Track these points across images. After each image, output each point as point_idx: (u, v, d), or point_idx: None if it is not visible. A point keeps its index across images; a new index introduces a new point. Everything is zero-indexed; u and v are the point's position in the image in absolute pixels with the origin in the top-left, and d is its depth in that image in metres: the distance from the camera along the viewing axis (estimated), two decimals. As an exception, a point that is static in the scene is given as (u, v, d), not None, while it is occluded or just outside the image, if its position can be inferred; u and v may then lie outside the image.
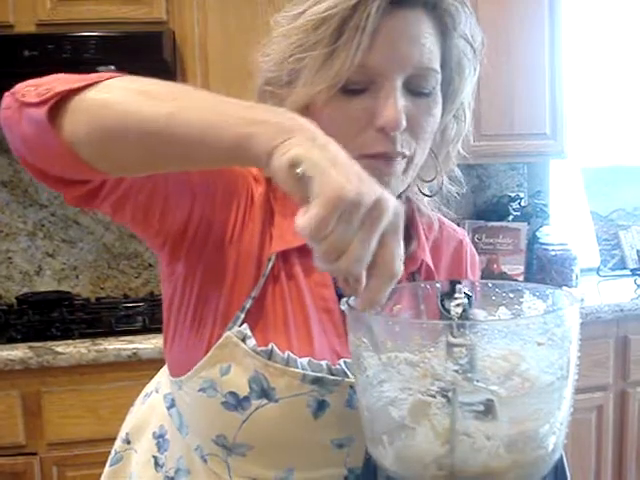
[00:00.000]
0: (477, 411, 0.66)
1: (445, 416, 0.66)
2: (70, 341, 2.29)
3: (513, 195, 3.22)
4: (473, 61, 0.97)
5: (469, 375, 0.65)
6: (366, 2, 0.86)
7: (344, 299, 0.73)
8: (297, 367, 0.93)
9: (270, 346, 0.93)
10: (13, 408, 2.22)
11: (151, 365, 2.06)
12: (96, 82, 0.76)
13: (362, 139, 0.89)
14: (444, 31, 0.92)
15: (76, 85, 0.76)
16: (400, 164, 0.92)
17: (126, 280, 2.95)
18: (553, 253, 2.97)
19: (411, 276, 1.06)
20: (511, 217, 3.13)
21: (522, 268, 3.05)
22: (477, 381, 0.65)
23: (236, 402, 0.93)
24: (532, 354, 0.67)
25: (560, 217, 3.27)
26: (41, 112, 0.75)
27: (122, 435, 1.21)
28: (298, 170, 0.63)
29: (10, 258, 2.87)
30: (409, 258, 1.04)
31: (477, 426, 0.66)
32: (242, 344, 0.93)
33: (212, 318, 0.97)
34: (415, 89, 0.90)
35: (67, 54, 2.38)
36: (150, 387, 1.21)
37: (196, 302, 0.98)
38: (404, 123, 0.88)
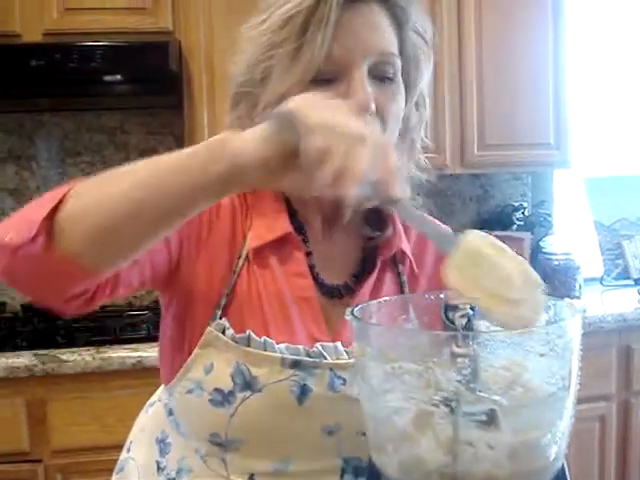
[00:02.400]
0: (480, 421, 0.66)
1: (448, 425, 0.67)
2: (75, 349, 2.30)
3: (517, 205, 3.22)
4: (427, 52, 1.04)
5: (472, 385, 0.66)
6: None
7: (348, 309, 0.75)
8: (275, 351, 0.97)
9: (247, 332, 0.98)
10: (18, 415, 2.23)
11: (155, 373, 2.06)
12: (64, 196, 0.81)
13: None
14: (398, 24, 1.00)
15: (51, 206, 0.80)
16: None
17: (131, 288, 2.96)
18: (557, 263, 2.97)
19: (390, 264, 1.10)
20: (515, 227, 3.14)
21: (525, 278, 3.05)
22: (480, 391, 0.66)
23: (222, 398, 0.97)
24: (534, 364, 0.68)
25: (564, 227, 3.27)
26: (37, 246, 0.79)
27: (127, 444, 1.23)
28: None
29: (15, 266, 2.88)
30: (384, 244, 1.09)
31: (480, 435, 0.67)
32: (222, 336, 0.98)
33: (192, 321, 1.02)
34: (380, 74, 0.97)
35: (74, 64, 2.39)
36: (154, 397, 1.24)
37: (177, 310, 1.04)
38: (373, 105, 0.94)
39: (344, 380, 0.98)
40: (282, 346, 0.98)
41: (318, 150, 0.72)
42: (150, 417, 1.20)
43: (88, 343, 2.34)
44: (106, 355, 2.25)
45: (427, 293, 0.93)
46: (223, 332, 0.98)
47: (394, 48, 0.98)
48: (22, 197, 2.87)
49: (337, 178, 0.71)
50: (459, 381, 0.66)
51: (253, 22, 1.01)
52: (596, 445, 2.74)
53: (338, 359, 0.99)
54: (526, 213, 3.21)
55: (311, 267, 1.05)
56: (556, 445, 0.71)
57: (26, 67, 2.39)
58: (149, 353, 2.25)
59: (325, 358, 0.98)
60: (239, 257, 1.02)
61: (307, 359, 0.98)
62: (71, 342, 2.35)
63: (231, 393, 0.97)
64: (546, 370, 0.68)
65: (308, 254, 1.06)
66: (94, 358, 2.24)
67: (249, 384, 0.96)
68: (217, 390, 0.97)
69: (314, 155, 0.72)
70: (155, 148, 2.89)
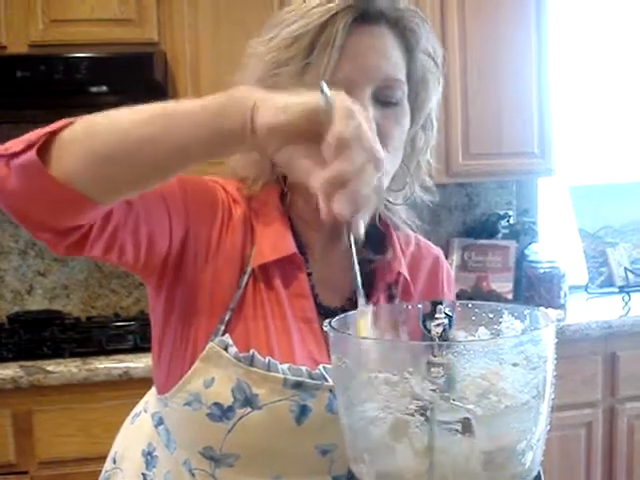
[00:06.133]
0: (455, 429, 0.67)
1: (424, 434, 0.68)
2: (61, 360, 2.30)
3: (502, 213, 3.24)
4: (436, 74, 1.04)
5: (446, 394, 0.67)
6: (334, 20, 0.94)
7: (326, 320, 0.76)
8: (278, 372, 0.96)
9: (251, 352, 0.97)
10: (4, 427, 2.22)
11: (142, 384, 2.06)
12: (70, 123, 0.81)
13: None
14: (407, 46, 1.00)
15: (55, 127, 0.80)
16: None
17: (117, 299, 2.96)
18: (542, 271, 2.99)
19: (388, 287, 1.10)
20: (500, 235, 3.16)
21: (511, 286, 3.07)
22: (454, 400, 0.67)
23: (221, 413, 0.96)
24: (509, 373, 0.69)
25: (548, 235, 3.29)
26: (31, 154, 0.79)
27: (112, 454, 1.22)
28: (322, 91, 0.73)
29: (1, 277, 2.88)
30: (385, 269, 1.09)
31: (455, 444, 0.68)
32: (224, 352, 0.97)
33: (194, 333, 1.01)
34: (384, 99, 0.97)
35: (59, 75, 2.40)
36: (139, 408, 1.23)
37: (177, 320, 1.03)
38: (374, 128, 0.92)
39: None
40: (285, 367, 0.97)
41: (343, 137, 0.72)
42: (136, 428, 1.19)
43: (74, 354, 2.34)
44: (92, 366, 2.25)
45: (405, 303, 0.94)
46: (226, 349, 0.97)
47: (401, 73, 0.98)
48: (8, 208, 2.87)
49: (339, 187, 0.71)
50: (434, 390, 0.67)
51: (262, 38, 1.01)
52: (582, 452, 2.75)
53: None
54: (511, 221, 3.22)
55: (311, 287, 1.06)
56: (532, 452, 0.72)
57: (12, 78, 2.39)
58: (135, 364, 2.25)
59: (327, 380, 0.98)
60: (244, 272, 1.02)
61: (309, 381, 0.97)
62: (57, 353, 2.34)
63: (230, 408, 0.96)
64: (520, 379, 0.69)
65: (308, 274, 1.06)
66: (80, 369, 2.24)
67: (250, 401, 0.96)
68: (216, 404, 0.96)
69: (339, 140, 0.72)
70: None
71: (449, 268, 1.22)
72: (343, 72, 0.94)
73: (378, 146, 0.74)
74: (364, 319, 0.78)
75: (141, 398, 1.25)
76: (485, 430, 0.68)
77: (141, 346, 2.37)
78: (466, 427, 0.67)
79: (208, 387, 0.97)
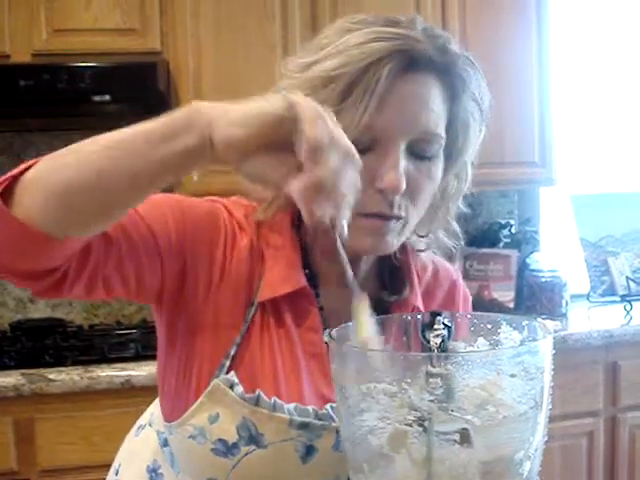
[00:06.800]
0: (453, 440, 0.68)
1: (422, 445, 0.68)
2: (63, 368, 2.30)
3: (504, 222, 3.24)
4: (479, 122, 0.98)
5: (445, 405, 0.67)
6: (378, 65, 0.87)
7: (326, 330, 0.76)
8: (284, 413, 0.94)
9: (257, 393, 0.95)
10: (6, 434, 2.23)
11: (144, 392, 2.08)
12: (35, 162, 0.80)
13: (361, 198, 0.84)
14: (453, 93, 0.94)
15: (16, 171, 0.79)
16: (395, 225, 0.94)
17: (119, 307, 2.96)
18: (543, 280, 2.99)
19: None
20: (502, 244, 3.16)
21: (512, 295, 3.07)
22: (452, 411, 0.67)
23: (225, 449, 0.94)
24: (507, 384, 0.70)
25: (550, 244, 3.30)
26: None
27: (115, 466, 1.22)
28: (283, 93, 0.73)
29: (4, 285, 2.88)
30: (401, 304, 1.05)
31: (453, 454, 0.68)
32: (230, 391, 0.95)
33: (198, 367, 0.98)
34: (419, 153, 0.92)
35: (62, 84, 2.41)
36: (143, 420, 1.22)
37: (180, 350, 1.00)
38: (404, 185, 0.89)
39: None
40: (291, 407, 0.95)
41: (316, 141, 0.69)
42: (140, 442, 1.18)
43: (76, 362, 2.34)
44: (94, 374, 2.26)
45: (405, 314, 0.94)
46: (231, 387, 0.95)
47: (441, 128, 0.92)
48: (11, 216, 2.88)
49: (317, 192, 0.70)
50: (432, 401, 0.67)
51: (300, 60, 0.94)
52: (584, 461, 2.74)
53: None
54: (513, 230, 3.23)
55: (322, 321, 1.01)
56: (529, 462, 0.73)
57: (15, 87, 2.40)
58: (137, 372, 2.26)
59: (334, 420, 0.95)
60: (252, 304, 0.99)
61: (316, 422, 0.95)
62: (59, 361, 2.35)
63: (235, 445, 0.94)
64: (518, 389, 0.70)
65: (320, 309, 1.02)
66: (82, 377, 2.24)
67: (255, 439, 0.94)
68: (221, 441, 0.94)
69: (312, 144, 0.69)
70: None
71: (466, 291, 1.19)
72: (379, 122, 0.88)
73: (349, 143, 0.73)
74: (363, 313, 0.78)
75: (143, 406, 1.25)
76: (483, 440, 0.68)
77: (143, 354, 2.37)
78: (464, 437, 0.68)
79: (213, 423, 0.95)
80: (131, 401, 2.10)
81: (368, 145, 0.89)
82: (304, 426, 0.95)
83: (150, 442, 1.13)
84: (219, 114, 0.74)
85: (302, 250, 1.02)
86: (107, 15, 2.55)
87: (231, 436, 0.94)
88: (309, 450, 0.95)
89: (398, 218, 0.93)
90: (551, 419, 0.75)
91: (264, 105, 0.73)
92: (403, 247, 1.07)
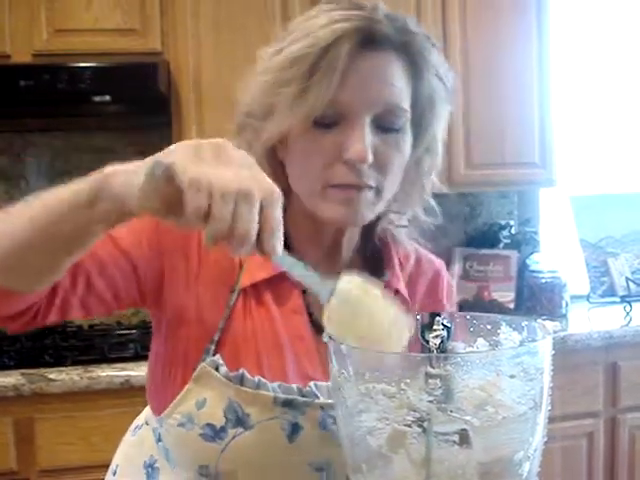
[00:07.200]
0: (452, 440, 0.68)
1: (421, 445, 0.68)
2: (63, 368, 2.30)
3: (504, 223, 3.24)
4: (445, 97, 1.01)
5: (443, 405, 0.67)
6: (339, 43, 0.92)
7: (326, 331, 0.76)
8: (268, 390, 0.97)
9: (241, 371, 0.97)
10: (5, 434, 2.22)
11: (143, 392, 2.06)
12: None
13: (330, 171, 0.95)
14: (415, 70, 0.97)
15: None
16: (368, 194, 0.97)
17: (119, 307, 2.96)
18: (543, 280, 2.99)
19: None
20: (502, 245, 3.16)
21: (512, 295, 3.07)
22: (451, 411, 0.67)
23: (214, 433, 0.97)
24: (507, 384, 0.70)
25: (550, 245, 3.30)
26: None
27: (112, 467, 1.22)
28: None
29: (4, 285, 2.88)
30: (383, 287, 1.07)
31: (452, 455, 0.68)
32: (216, 373, 0.97)
33: (183, 355, 1.01)
34: (384, 125, 0.96)
35: (63, 84, 2.41)
36: (140, 419, 1.23)
37: (167, 342, 1.04)
38: (371, 157, 0.93)
39: (335, 419, 0.97)
40: (275, 385, 0.97)
41: (198, 210, 0.68)
42: (137, 441, 1.19)
43: (76, 362, 2.34)
44: (94, 374, 2.26)
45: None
46: (217, 369, 0.98)
47: (405, 102, 0.96)
48: (11, 216, 2.88)
49: (222, 239, 0.69)
50: (431, 401, 0.67)
51: (270, 49, 0.99)
52: (584, 462, 2.74)
53: (330, 398, 0.97)
54: (513, 231, 3.23)
55: (307, 305, 1.04)
56: (529, 462, 0.73)
57: (15, 87, 2.41)
58: (137, 372, 2.26)
59: (317, 397, 0.98)
60: (233, 291, 1.02)
61: (299, 399, 0.97)
62: (59, 361, 2.35)
63: (223, 429, 0.96)
64: (517, 390, 0.70)
65: (304, 292, 1.04)
66: (82, 377, 2.24)
67: (241, 421, 0.96)
68: (209, 425, 0.97)
69: (195, 214, 0.68)
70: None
71: (450, 280, 1.21)
72: (344, 97, 0.92)
73: (231, 183, 0.68)
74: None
75: (142, 406, 1.25)
76: (482, 441, 0.68)
77: (143, 354, 2.36)
78: (463, 438, 0.68)
79: (200, 408, 0.98)
80: (131, 401, 2.10)
81: (335, 120, 0.94)
82: (288, 403, 0.97)
83: (147, 440, 1.14)
84: (119, 180, 0.76)
85: (285, 237, 1.05)
86: (108, 15, 2.55)
87: (218, 420, 0.97)
88: (295, 428, 0.97)
89: (369, 187, 0.96)
90: (551, 420, 0.75)
91: (153, 178, 0.73)
92: (384, 234, 1.12)
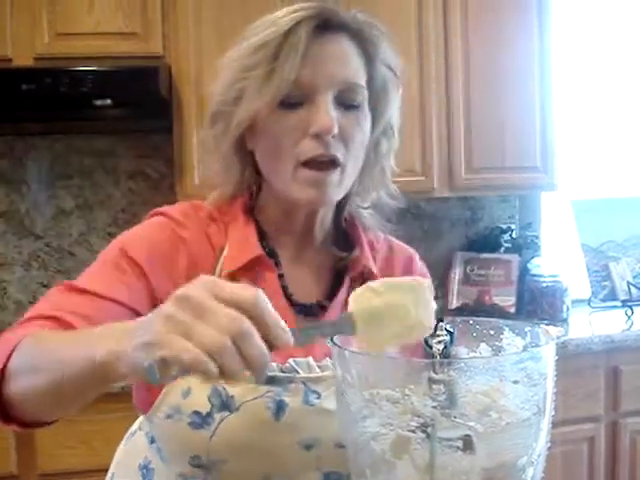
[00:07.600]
0: (456, 446, 0.68)
1: (425, 451, 0.68)
2: (64, 372, 2.30)
3: (505, 227, 3.25)
4: (396, 83, 1.10)
5: (447, 411, 0.67)
6: (297, 28, 1.01)
7: (330, 337, 0.76)
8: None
9: None
10: (6, 439, 2.23)
11: (144, 396, 2.06)
12: (13, 349, 0.88)
13: (299, 148, 1.02)
14: (367, 56, 1.06)
15: (4, 357, 0.87)
16: (335, 174, 1.03)
17: (120, 311, 2.96)
18: (544, 285, 2.99)
19: (360, 283, 1.11)
20: (503, 249, 3.16)
21: (513, 299, 3.07)
22: (455, 417, 0.67)
23: (201, 420, 0.99)
24: (510, 390, 0.70)
25: (551, 249, 3.30)
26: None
27: (109, 476, 1.24)
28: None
29: (4, 288, 2.89)
30: (353, 263, 1.14)
31: (456, 460, 0.68)
32: None
33: None
34: (345, 102, 1.03)
35: (64, 88, 2.42)
36: (134, 426, 1.25)
37: None
38: (336, 128, 1.00)
39: (318, 394, 1.01)
40: None
41: (206, 370, 0.68)
42: (131, 446, 1.21)
43: (77, 366, 2.34)
44: (95, 378, 2.25)
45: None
46: None
47: (361, 79, 1.05)
48: (12, 220, 2.88)
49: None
50: (435, 407, 0.67)
51: (234, 48, 1.08)
52: (585, 467, 2.74)
53: (311, 373, 1.02)
54: (514, 235, 3.23)
55: (284, 288, 1.10)
56: (532, 468, 0.72)
57: (17, 91, 2.41)
58: (138, 376, 2.25)
59: (298, 372, 1.01)
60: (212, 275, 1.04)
61: (280, 374, 1.00)
62: (60, 365, 2.34)
63: (209, 414, 0.99)
64: (521, 395, 0.70)
65: (280, 276, 1.10)
66: (83, 381, 2.23)
67: (226, 404, 0.99)
68: (195, 413, 0.99)
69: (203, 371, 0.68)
70: (145, 171, 2.91)
71: (423, 267, 1.25)
72: (306, 77, 1.01)
73: (211, 331, 0.68)
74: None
75: (142, 411, 1.26)
76: (486, 447, 0.68)
77: (143, 358, 2.36)
78: (467, 444, 0.67)
79: (186, 397, 1.00)
80: (130, 405, 2.08)
81: (300, 100, 1.02)
82: (270, 380, 0.99)
83: (140, 443, 1.16)
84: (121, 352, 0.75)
85: (257, 228, 1.11)
86: (109, 19, 2.56)
87: (204, 406, 0.99)
88: (280, 405, 1.00)
89: (336, 164, 1.02)
90: (552, 424, 0.75)
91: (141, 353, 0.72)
92: (350, 217, 1.18)
